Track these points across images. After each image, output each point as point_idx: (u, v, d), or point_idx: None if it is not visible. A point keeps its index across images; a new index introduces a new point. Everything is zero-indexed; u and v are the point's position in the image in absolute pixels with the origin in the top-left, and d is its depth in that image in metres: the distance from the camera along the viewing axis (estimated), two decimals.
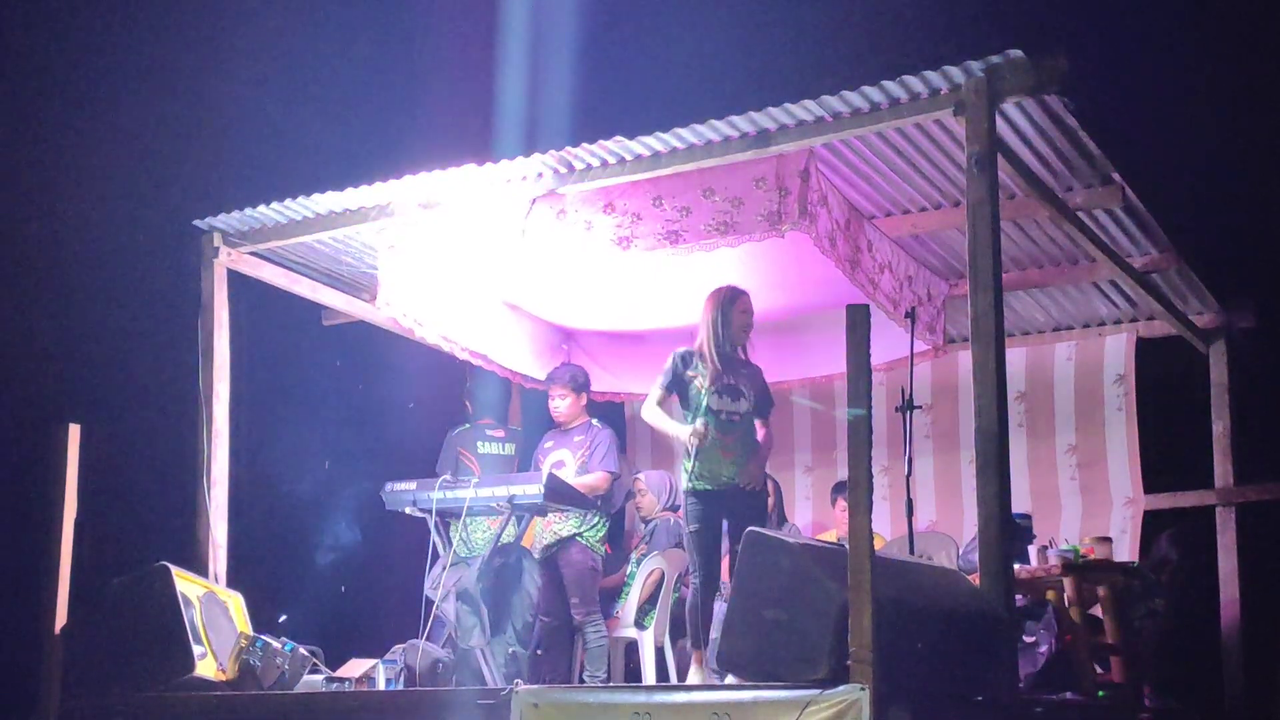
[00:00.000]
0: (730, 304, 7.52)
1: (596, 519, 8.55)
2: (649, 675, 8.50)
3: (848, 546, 5.76)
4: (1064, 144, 7.34)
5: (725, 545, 7.71)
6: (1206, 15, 11.02)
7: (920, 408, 7.92)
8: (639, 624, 8.71)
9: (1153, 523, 9.37)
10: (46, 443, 7.78)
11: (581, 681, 8.26)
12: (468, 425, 9.33)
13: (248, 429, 8.77)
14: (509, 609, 8.27)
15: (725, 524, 7.56)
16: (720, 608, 8.29)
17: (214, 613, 7.59)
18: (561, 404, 8.78)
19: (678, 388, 7.55)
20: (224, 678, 7.43)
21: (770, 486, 9.28)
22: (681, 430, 7.47)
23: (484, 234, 8.07)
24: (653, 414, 7.61)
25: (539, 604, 8.47)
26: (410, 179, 7.87)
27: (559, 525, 8.48)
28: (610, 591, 8.90)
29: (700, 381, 7.46)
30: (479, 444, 9.19)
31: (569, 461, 8.66)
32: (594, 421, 8.81)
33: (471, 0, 11.60)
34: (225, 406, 8.45)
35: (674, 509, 9.08)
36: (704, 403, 7.42)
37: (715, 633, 8.04)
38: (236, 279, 8.67)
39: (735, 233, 7.39)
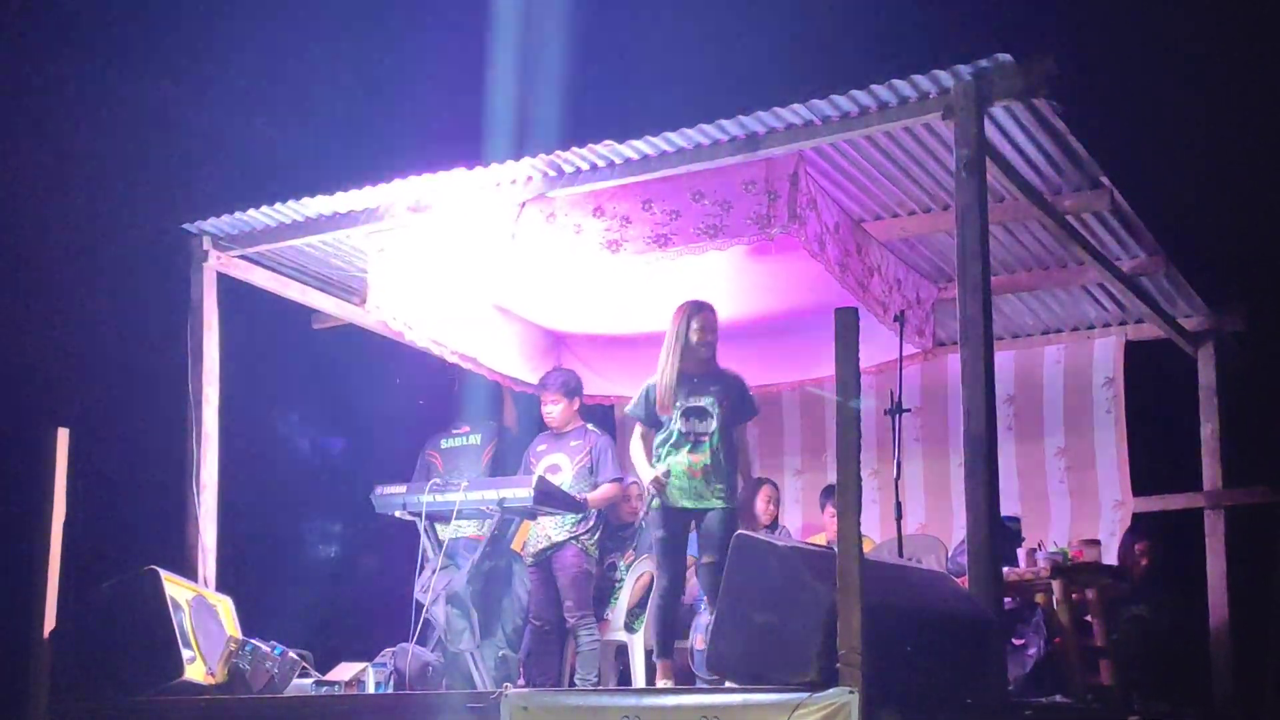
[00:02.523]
0: (688, 319, 7.44)
1: (592, 523, 8.53)
2: (639, 679, 8.50)
3: (836, 549, 5.76)
4: (1052, 148, 7.35)
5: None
6: (1194, 19, 11.05)
7: (909, 410, 7.90)
8: (629, 627, 8.70)
9: (1142, 525, 9.39)
10: (35, 447, 7.77)
11: (572, 684, 8.26)
12: (438, 432, 9.33)
13: (237, 433, 8.75)
14: (499, 612, 8.27)
15: (695, 533, 7.52)
16: (696, 619, 8.33)
17: (203, 616, 7.59)
18: (554, 409, 8.72)
19: (650, 420, 7.50)
20: (213, 681, 7.43)
21: (769, 490, 9.31)
22: (645, 475, 7.44)
23: (474, 237, 8.07)
24: (635, 450, 7.58)
25: (529, 607, 8.47)
26: (400, 183, 7.88)
27: (553, 530, 8.44)
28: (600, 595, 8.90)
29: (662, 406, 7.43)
30: (442, 442, 9.18)
31: (565, 466, 8.60)
32: (590, 427, 8.74)
33: (461, 4, 11.61)
34: (215, 410, 8.45)
35: None
36: (673, 427, 7.37)
37: (701, 645, 8.09)
38: (226, 282, 8.67)
39: (724, 236, 7.40)
